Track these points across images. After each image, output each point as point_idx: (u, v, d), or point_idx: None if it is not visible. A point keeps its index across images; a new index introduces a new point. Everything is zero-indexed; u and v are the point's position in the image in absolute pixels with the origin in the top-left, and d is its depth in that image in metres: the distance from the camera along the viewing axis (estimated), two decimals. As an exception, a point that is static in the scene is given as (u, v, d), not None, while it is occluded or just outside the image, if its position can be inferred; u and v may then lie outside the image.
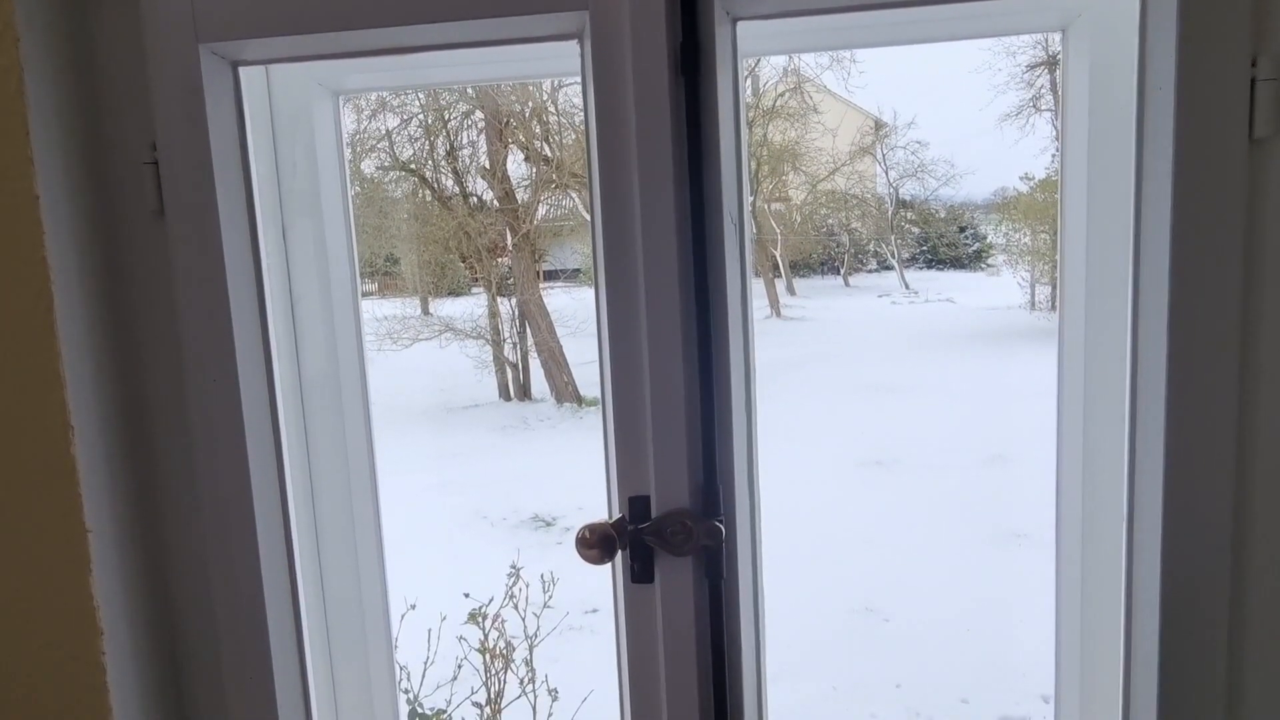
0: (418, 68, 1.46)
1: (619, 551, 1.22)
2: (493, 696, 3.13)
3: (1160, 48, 1.10)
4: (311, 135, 1.47)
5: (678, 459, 1.21)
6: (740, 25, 1.22)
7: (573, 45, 1.25)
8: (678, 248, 1.18)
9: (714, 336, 1.23)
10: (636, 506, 1.23)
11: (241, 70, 1.30)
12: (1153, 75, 1.12)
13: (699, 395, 1.22)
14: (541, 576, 3.59)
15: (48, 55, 1.22)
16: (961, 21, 1.32)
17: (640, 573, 1.24)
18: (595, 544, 1.19)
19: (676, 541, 1.21)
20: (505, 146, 10.33)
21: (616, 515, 1.25)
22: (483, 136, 10.55)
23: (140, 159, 1.28)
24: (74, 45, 1.26)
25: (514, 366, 10.71)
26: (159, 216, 1.28)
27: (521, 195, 10.70)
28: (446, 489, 7.44)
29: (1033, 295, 13.51)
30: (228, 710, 1.36)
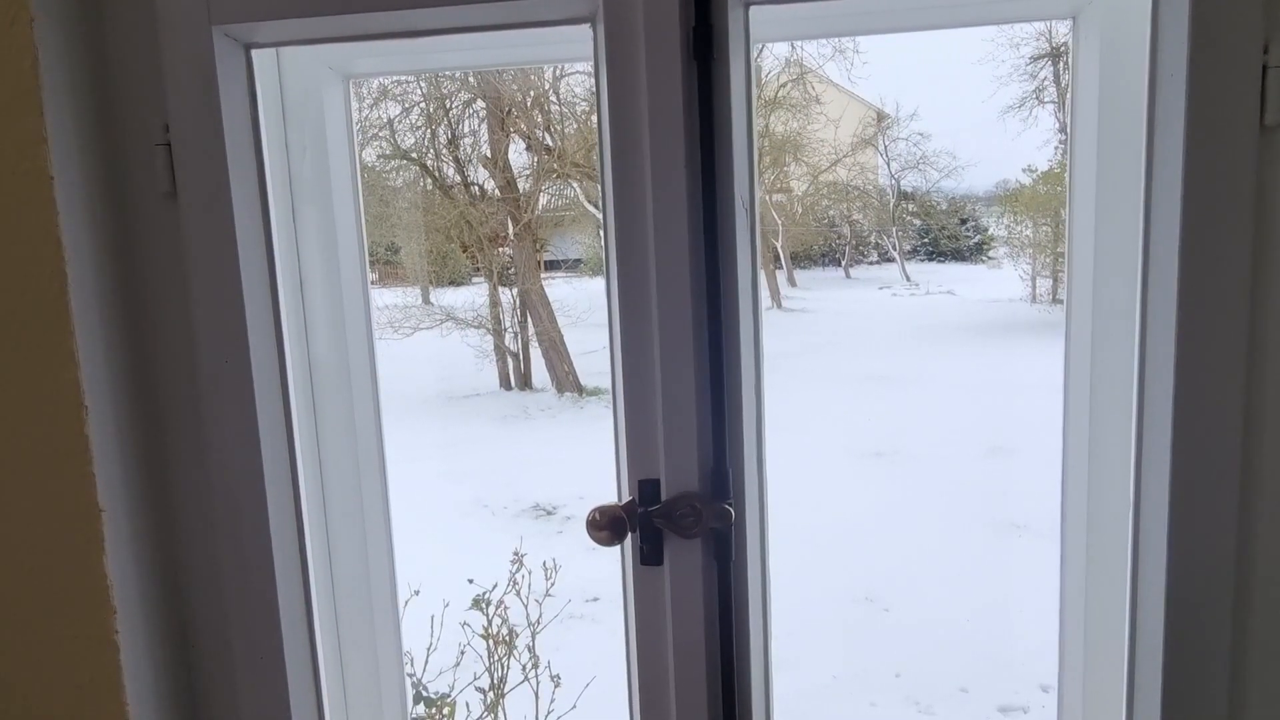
0: (427, 52, 1.46)
1: (628, 534, 1.23)
2: (496, 682, 3.15)
3: (1171, 34, 1.10)
4: (321, 119, 1.47)
5: (687, 443, 1.22)
6: (753, 10, 1.22)
7: (582, 30, 1.25)
8: (689, 232, 1.18)
9: (724, 321, 1.23)
10: (646, 489, 1.24)
11: (254, 53, 1.30)
12: (1164, 62, 1.12)
13: (708, 379, 1.22)
14: (544, 564, 3.60)
15: (62, 37, 1.22)
16: (973, 7, 1.32)
17: (649, 555, 1.25)
18: (605, 526, 1.20)
19: (685, 524, 1.22)
20: (507, 135, 10.30)
21: (626, 498, 1.25)
22: (484, 125, 10.53)
23: (153, 140, 1.28)
24: (88, 27, 1.26)
25: (515, 356, 10.71)
26: (171, 198, 1.29)
27: (523, 184, 10.69)
28: (448, 477, 7.46)
29: (1034, 288, 13.50)
30: (238, 688, 1.38)
